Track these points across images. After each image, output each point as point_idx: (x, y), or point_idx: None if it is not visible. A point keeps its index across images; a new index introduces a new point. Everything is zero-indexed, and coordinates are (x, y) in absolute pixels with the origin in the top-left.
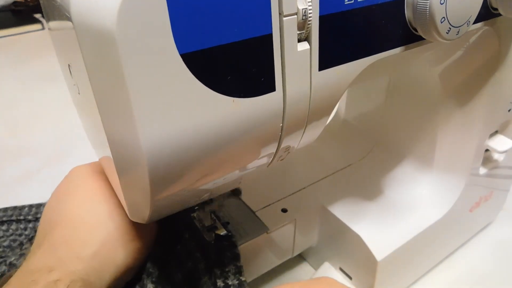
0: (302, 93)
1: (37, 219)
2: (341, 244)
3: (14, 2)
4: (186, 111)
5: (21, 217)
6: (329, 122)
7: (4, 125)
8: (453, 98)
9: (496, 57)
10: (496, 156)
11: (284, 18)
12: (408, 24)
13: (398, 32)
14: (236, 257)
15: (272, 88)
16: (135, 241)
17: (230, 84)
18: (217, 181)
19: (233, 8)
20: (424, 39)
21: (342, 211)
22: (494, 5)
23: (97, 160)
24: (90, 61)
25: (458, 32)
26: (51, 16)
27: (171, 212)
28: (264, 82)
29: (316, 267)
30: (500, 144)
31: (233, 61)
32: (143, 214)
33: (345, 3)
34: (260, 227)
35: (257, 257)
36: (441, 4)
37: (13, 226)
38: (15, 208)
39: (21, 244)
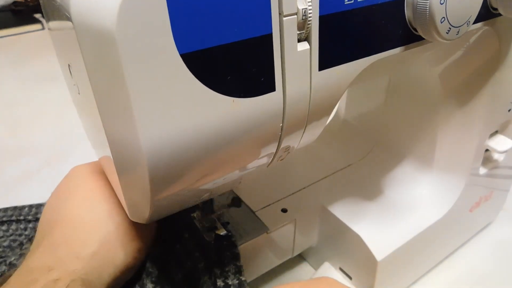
0: (302, 93)
1: (37, 219)
2: (341, 244)
3: (14, 2)
4: (186, 111)
5: (21, 217)
6: (329, 122)
7: (4, 125)
8: (453, 98)
9: (496, 57)
10: (496, 156)
11: (284, 18)
12: (408, 24)
13: (398, 32)
14: (236, 256)
15: (272, 88)
16: (135, 241)
17: (230, 84)
18: (217, 181)
19: (233, 8)
20: (424, 39)
21: (342, 211)
22: (494, 5)
23: (97, 160)
24: (90, 61)
25: (458, 32)
26: (51, 16)
27: (171, 212)
28: (264, 82)
29: (316, 267)
30: (500, 144)
31: (233, 61)
32: (143, 214)
33: (345, 3)
34: (260, 227)
35: (257, 257)
36: (441, 4)
37: (13, 226)
38: (15, 208)
39: (21, 244)
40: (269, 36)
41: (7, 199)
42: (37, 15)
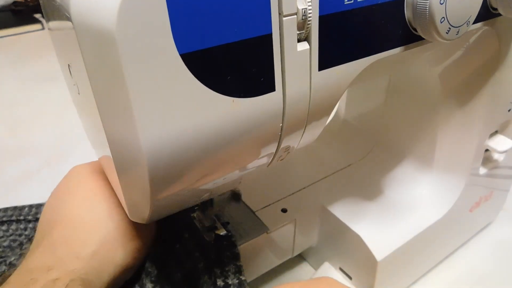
0: (302, 93)
1: (37, 219)
2: (341, 244)
3: (14, 2)
4: (186, 111)
5: (21, 217)
6: (329, 122)
7: (4, 125)
8: (453, 98)
9: (496, 57)
10: (496, 156)
11: (284, 18)
12: (408, 24)
13: (398, 32)
14: (236, 256)
15: (272, 88)
16: (135, 241)
17: (230, 84)
18: (217, 181)
19: (233, 8)
20: (424, 39)
21: (342, 211)
22: (494, 5)
23: (97, 159)
24: (90, 61)
25: (458, 32)
26: (51, 16)
27: (171, 212)
28: (264, 82)
29: (316, 267)
30: (500, 144)
31: (233, 61)
32: (143, 214)
33: (345, 3)
34: (260, 227)
35: (257, 257)
36: (441, 4)
37: (13, 226)
38: (15, 208)
39: (21, 244)
40: (269, 36)
41: (7, 199)
42: (37, 15)
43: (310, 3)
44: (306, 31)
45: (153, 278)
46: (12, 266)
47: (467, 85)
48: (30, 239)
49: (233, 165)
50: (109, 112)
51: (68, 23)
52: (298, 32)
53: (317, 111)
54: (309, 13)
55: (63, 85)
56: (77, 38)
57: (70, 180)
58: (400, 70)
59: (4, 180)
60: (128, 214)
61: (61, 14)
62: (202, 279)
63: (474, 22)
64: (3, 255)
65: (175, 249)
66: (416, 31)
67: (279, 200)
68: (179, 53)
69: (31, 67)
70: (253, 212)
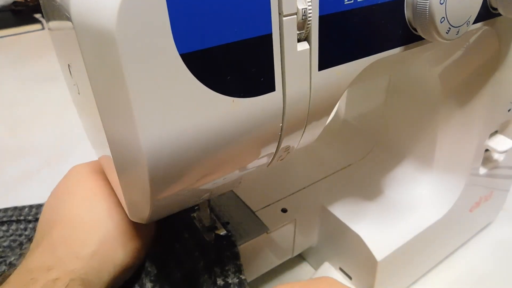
0: (301, 93)
1: (37, 220)
2: (341, 244)
3: (14, 2)
4: (186, 111)
5: (21, 218)
6: (329, 122)
7: (4, 125)
8: (453, 98)
9: (496, 57)
10: (496, 156)
11: (284, 18)
12: (408, 24)
13: (398, 32)
14: (236, 256)
15: (271, 88)
16: (134, 241)
17: (230, 84)
18: (217, 181)
19: (232, 8)
20: (424, 39)
21: (342, 211)
22: (494, 5)
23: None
24: (90, 61)
25: (458, 32)
26: (51, 16)
27: (171, 212)
28: (264, 82)
29: (316, 267)
30: (500, 144)
31: (232, 61)
32: (143, 214)
33: (345, 3)
34: (260, 227)
35: (257, 257)
36: (441, 4)
37: (13, 227)
38: (15, 208)
39: (21, 244)
40: (269, 36)
41: (7, 199)
42: (37, 15)
43: (310, 3)
44: (306, 31)
45: (152, 278)
46: (12, 266)
47: (467, 85)
48: (30, 239)
49: (233, 165)
50: (109, 112)
51: (68, 23)
52: (298, 32)
53: (317, 111)
54: (309, 13)
55: (63, 85)
56: (77, 38)
57: (70, 180)
58: (400, 70)
59: (4, 180)
60: (128, 214)
61: (61, 14)
62: (202, 278)
63: (474, 22)
64: (3, 255)
65: (175, 249)
66: (416, 31)
67: (279, 200)
68: (179, 53)
69: (31, 67)
70: (253, 212)
